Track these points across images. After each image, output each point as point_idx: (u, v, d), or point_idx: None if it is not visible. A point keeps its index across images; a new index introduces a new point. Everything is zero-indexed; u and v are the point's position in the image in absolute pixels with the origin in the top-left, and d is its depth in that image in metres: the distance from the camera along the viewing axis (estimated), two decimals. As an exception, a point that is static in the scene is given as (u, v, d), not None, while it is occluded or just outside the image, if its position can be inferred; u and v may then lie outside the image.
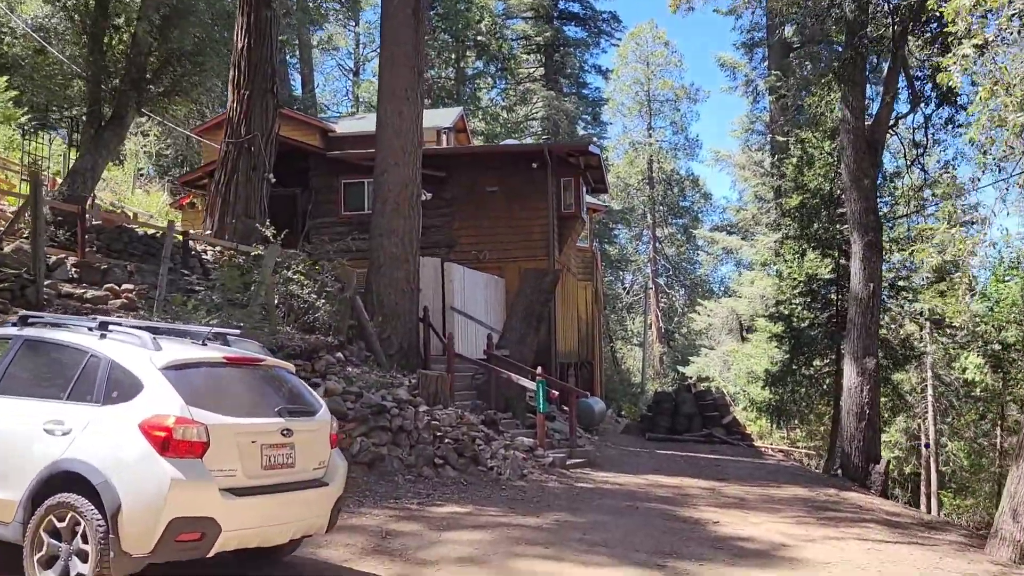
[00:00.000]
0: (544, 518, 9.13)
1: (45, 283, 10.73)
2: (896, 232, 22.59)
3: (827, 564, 7.88)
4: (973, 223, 13.54)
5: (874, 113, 18.13)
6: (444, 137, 25.59)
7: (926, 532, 11.32)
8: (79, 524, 5.01)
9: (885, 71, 18.40)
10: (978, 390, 23.29)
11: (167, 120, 26.21)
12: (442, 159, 20.52)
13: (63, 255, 12.37)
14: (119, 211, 21.74)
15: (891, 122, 18.35)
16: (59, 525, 5.08)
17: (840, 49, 18.78)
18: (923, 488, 25.43)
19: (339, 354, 12.65)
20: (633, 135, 53.52)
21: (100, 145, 15.89)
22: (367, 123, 22.73)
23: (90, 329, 5.87)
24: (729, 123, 61.11)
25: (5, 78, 19.46)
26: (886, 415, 22.30)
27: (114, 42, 16.60)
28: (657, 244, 52.00)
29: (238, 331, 6.88)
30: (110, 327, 5.83)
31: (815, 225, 21.91)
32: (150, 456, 5.02)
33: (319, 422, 6.03)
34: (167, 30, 16.23)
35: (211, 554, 5.24)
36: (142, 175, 30.95)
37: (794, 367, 22.55)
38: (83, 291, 11.32)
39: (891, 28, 17.07)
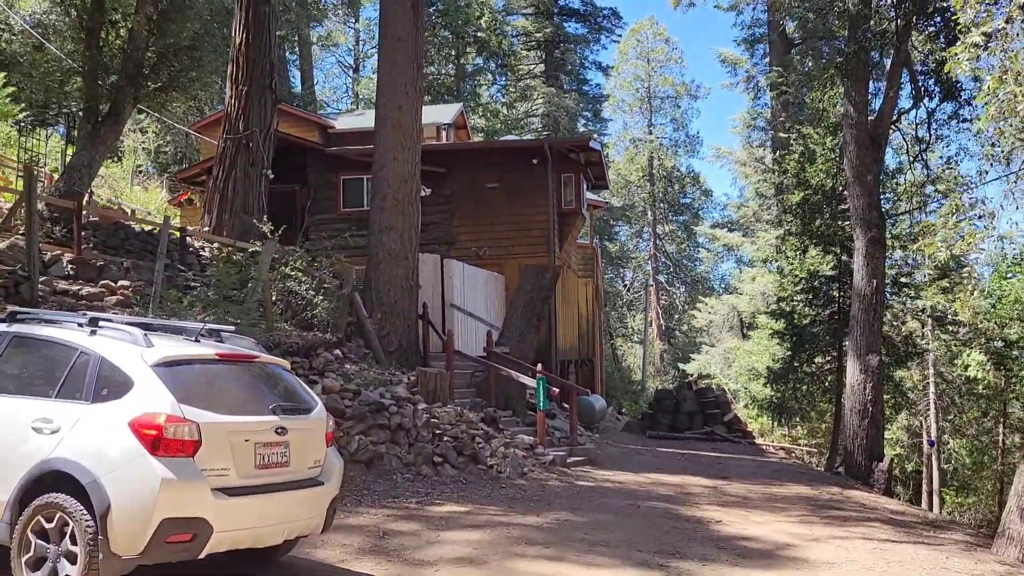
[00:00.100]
0: (544, 517, 9.01)
1: (40, 280, 10.63)
2: (898, 229, 22.49)
3: (832, 565, 7.76)
4: (981, 217, 13.38)
5: (877, 108, 18.00)
6: (444, 133, 25.48)
7: (931, 531, 11.20)
8: (68, 525, 4.91)
9: (888, 66, 18.28)
10: (980, 387, 23.15)
11: (165, 116, 26.10)
12: (442, 155, 20.40)
13: (59, 252, 12.28)
14: (116, 207, 21.64)
15: (894, 117, 18.22)
16: (47, 526, 4.98)
17: (842, 44, 18.65)
18: (925, 486, 25.32)
19: (337, 351, 12.55)
20: (633, 132, 53.48)
21: (97, 141, 15.77)
22: (366, 119, 22.62)
23: (80, 325, 5.76)
24: (730, 119, 61.07)
25: (3, 74, 19.33)
26: (888, 412, 22.17)
27: (111, 37, 16.48)
28: (658, 241, 51.90)
29: (233, 328, 6.77)
30: (100, 323, 5.71)
31: (817, 221, 21.82)
32: (140, 455, 4.91)
33: (314, 420, 5.92)
34: (164, 25, 16.10)
35: (203, 555, 5.13)
36: (141, 172, 30.83)
37: (796, 364, 22.46)
38: (79, 288, 11.21)
39: (894, 22, 16.96)
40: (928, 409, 25.01)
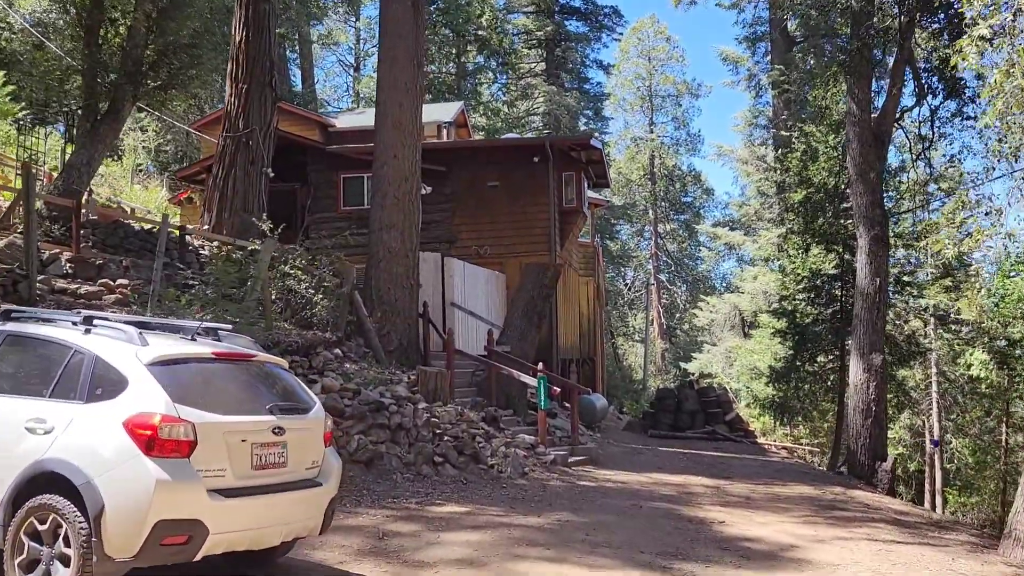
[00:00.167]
0: (546, 518, 8.92)
1: (38, 278, 10.56)
2: (901, 227, 22.41)
3: (837, 566, 7.67)
4: (987, 213, 13.27)
5: (880, 106, 17.91)
6: (445, 132, 25.40)
7: (936, 532, 11.10)
8: (61, 527, 4.83)
9: (891, 64, 18.18)
10: (983, 387, 23.05)
11: (165, 114, 26.03)
12: (442, 153, 20.32)
13: (58, 250, 12.21)
14: (116, 206, 21.56)
15: (897, 115, 18.13)
16: (40, 528, 4.89)
17: (845, 42, 18.54)
18: (927, 486, 25.22)
19: (337, 350, 12.47)
20: (635, 130, 53.41)
21: (96, 139, 15.69)
22: (367, 118, 22.53)
23: (74, 324, 5.68)
24: (732, 118, 60.83)
25: (3, 73, 19.26)
26: (890, 412, 22.10)
27: (110, 35, 16.40)
28: (659, 240, 51.81)
29: (230, 326, 6.69)
30: (95, 322, 5.63)
31: (819, 220, 21.71)
32: (135, 456, 4.83)
33: (313, 420, 5.84)
34: (164, 23, 16.01)
35: (198, 558, 5.05)
36: (140, 170, 30.76)
37: (798, 363, 22.38)
38: (77, 286, 11.13)
39: (897, 19, 16.85)
40: (931, 408, 24.90)
